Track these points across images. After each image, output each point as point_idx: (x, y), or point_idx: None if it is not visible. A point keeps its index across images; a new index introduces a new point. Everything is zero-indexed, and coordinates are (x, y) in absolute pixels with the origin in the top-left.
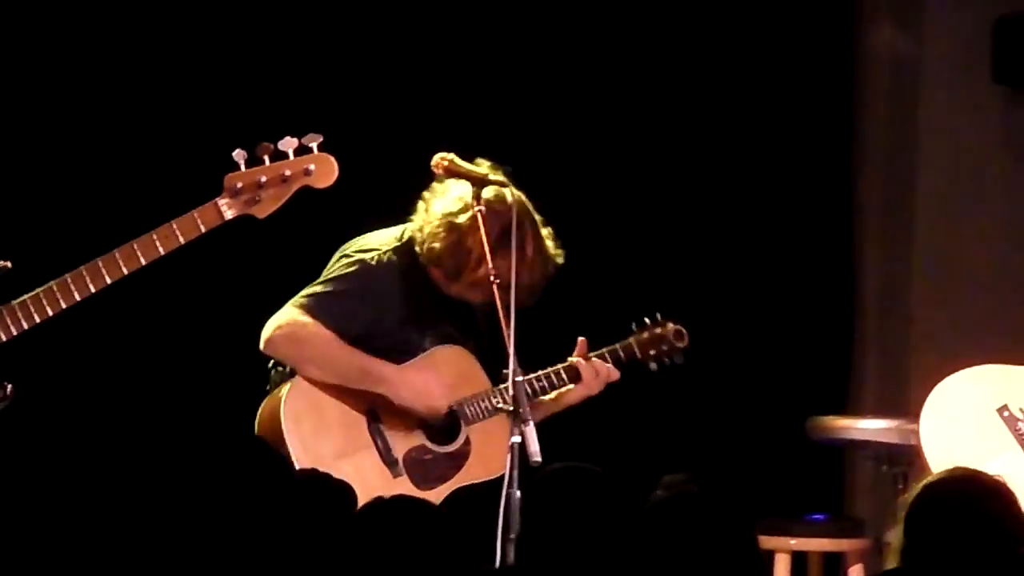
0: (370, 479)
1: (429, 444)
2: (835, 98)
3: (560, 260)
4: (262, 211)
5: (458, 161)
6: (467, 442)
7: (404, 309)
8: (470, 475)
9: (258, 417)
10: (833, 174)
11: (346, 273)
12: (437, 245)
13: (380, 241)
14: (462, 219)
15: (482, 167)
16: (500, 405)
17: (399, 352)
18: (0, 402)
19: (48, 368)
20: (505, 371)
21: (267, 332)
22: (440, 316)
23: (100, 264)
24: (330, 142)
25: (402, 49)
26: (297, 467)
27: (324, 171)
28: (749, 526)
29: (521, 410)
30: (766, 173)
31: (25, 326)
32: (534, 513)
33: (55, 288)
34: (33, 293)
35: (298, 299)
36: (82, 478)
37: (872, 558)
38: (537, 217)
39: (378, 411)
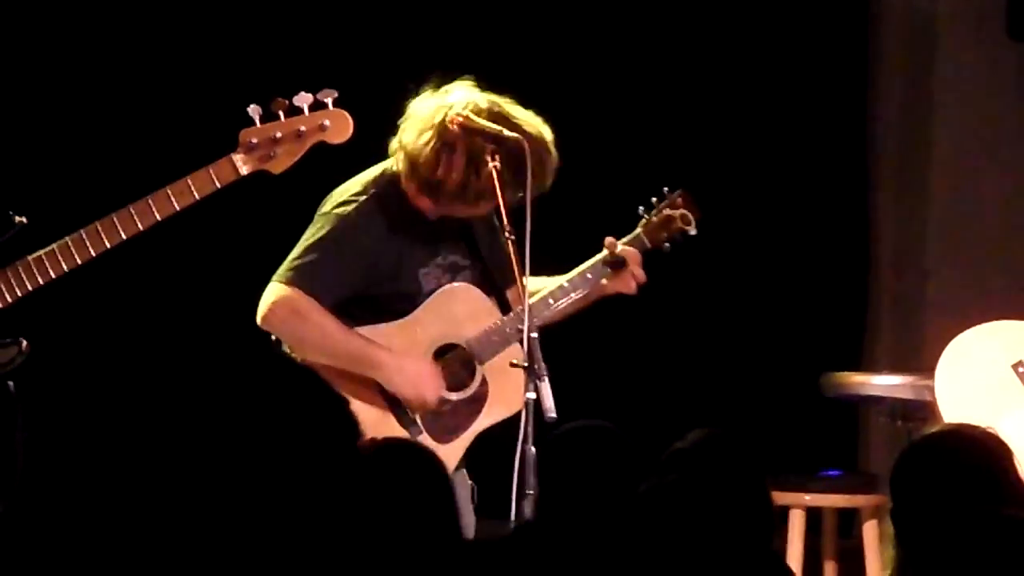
0: None
1: (447, 394)
2: (851, 54)
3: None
4: (277, 167)
5: (473, 117)
6: (484, 383)
7: (397, 251)
8: (491, 416)
9: None
10: (849, 131)
11: (325, 235)
12: (429, 158)
13: (357, 187)
14: (443, 128)
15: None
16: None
17: (402, 297)
18: (17, 357)
19: (63, 323)
20: (520, 327)
21: (261, 310)
22: (439, 244)
23: (115, 219)
24: (345, 97)
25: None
26: None
27: (339, 127)
28: (762, 482)
29: (536, 366)
30: (782, 130)
31: (41, 281)
32: (550, 472)
33: (70, 244)
34: (48, 249)
35: (283, 273)
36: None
37: (886, 514)
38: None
39: None
